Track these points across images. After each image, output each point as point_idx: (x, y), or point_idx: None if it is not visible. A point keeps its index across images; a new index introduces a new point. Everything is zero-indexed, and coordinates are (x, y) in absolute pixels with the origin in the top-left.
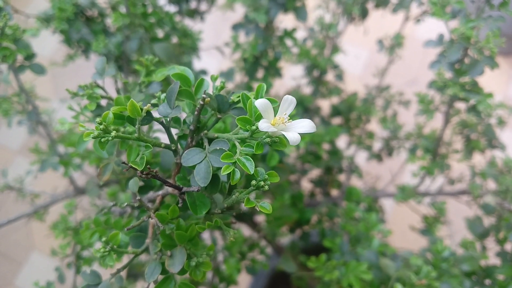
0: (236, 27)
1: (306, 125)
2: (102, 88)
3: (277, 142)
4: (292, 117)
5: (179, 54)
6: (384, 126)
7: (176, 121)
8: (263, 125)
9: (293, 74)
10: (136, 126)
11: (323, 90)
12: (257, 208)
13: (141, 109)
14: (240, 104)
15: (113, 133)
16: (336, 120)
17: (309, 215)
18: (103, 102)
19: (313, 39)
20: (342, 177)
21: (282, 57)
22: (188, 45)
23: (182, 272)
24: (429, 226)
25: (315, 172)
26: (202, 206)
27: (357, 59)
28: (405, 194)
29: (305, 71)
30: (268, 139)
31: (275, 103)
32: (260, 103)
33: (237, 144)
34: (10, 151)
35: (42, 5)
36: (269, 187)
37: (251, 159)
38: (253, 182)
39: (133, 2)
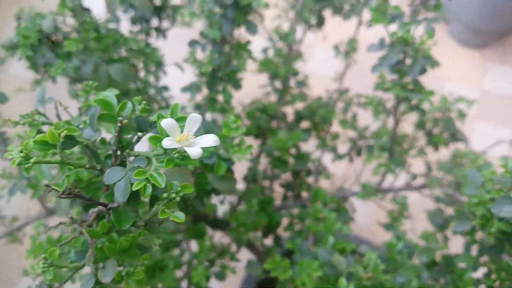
0: (192, 43)
1: (209, 140)
2: (44, 115)
3: (187, 156)
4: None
5: (134, 73)
6: (344, 127)
7: (103, 142)
8: (167, 143)
9: (262, 82)
10: (58, 151)
11: (287, 97)
12: (170, 218)
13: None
14: None
15: (33, 160)
16: (305, 124)
17: (279, 218)
18: (47, 128)
19: (274, 48)
20: (311, 180)
21: (247, 67)
22: (148, 63)
23: (115, 281)
24: (393, 221)
25: (288, 176)
26: (126, 220)
27: (330, 62)
28: (366, 192)
29: (269, 79)
30: (177, 155)
31: (184, 120)
32: (165, 123)
33: (153, 160)
34: None
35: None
36: (239, 194)
37: (163, 174)
38: (165, 194)
39: (85, 28)
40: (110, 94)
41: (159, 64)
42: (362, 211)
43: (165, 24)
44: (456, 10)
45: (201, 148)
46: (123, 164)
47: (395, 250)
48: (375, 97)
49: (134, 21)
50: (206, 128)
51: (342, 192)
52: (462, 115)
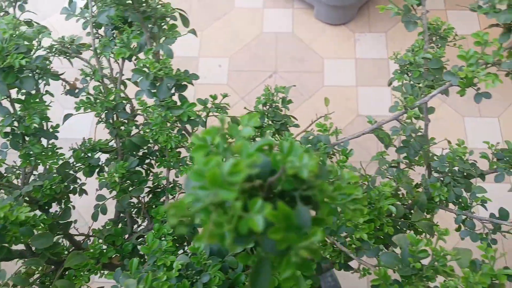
0: None
1: None
2: None
3: None
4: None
5: None
6: (167, 145)
7: None
8: None
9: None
10: None
11: (120, 130)
12: None
13: None
14: None
15: None
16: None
17: (129, 247)
18: None
19: (93, 87)
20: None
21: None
22: None
23: None
24: None
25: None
26: None
27: (221, 67)
28: None
29: (95, 116)
30: None
31: None
32: None
33: None
34: None
35: None
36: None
37: None
38: None
39: None
40: None
41: None
42: None
43: None
44: None
45: None
46: None
47: (198, 253)
48: (158, 117)
49: None
50: None
51: None
52: (285, 101)
